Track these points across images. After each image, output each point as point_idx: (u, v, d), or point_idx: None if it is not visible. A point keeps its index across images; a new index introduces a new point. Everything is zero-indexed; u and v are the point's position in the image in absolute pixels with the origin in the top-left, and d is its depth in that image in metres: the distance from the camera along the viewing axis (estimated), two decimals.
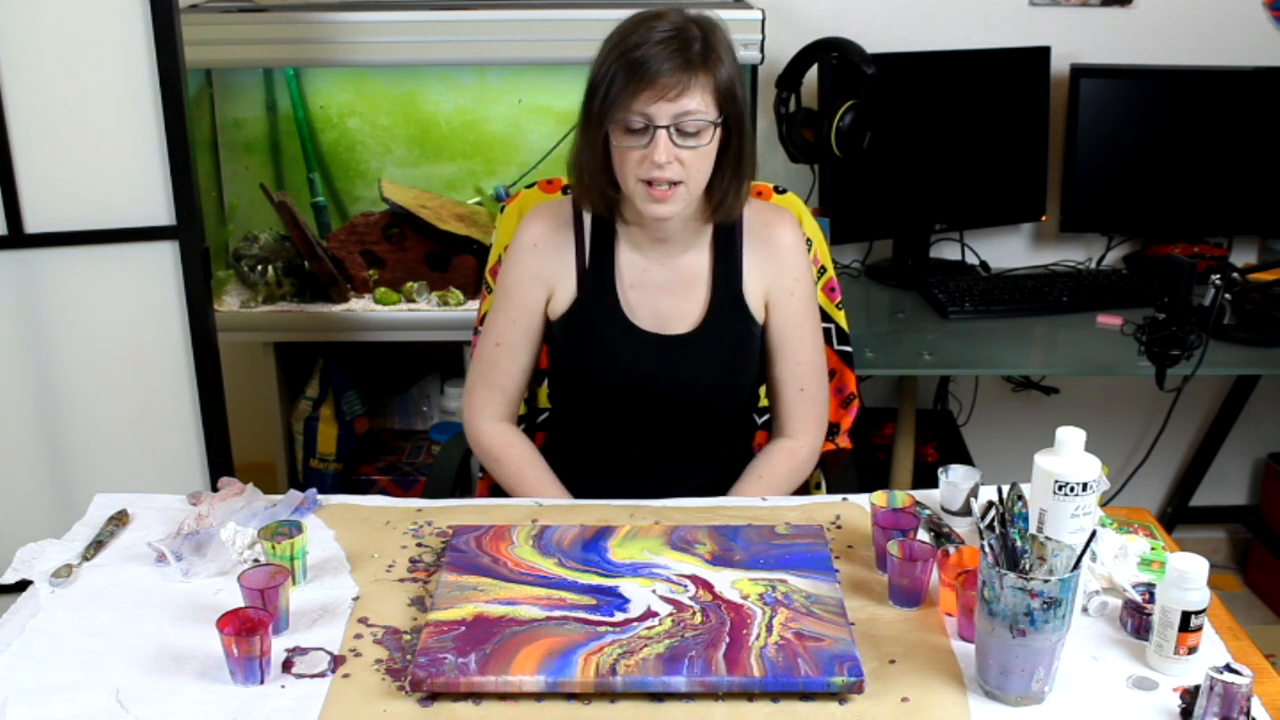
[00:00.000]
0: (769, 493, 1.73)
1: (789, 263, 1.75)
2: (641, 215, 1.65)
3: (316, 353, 2.73)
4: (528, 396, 1.95)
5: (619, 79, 1.56)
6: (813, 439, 1.81)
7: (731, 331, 1.75)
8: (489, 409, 1.80)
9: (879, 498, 1.52)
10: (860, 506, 1.61)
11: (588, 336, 1.74)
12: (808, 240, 1.87)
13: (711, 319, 1.74)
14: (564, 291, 1.75)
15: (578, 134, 1.67)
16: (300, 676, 1.25)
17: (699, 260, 1.74)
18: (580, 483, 1.79)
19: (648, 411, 1.76)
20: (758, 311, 1.76)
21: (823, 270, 1.90)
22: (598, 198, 1.69)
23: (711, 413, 1.79)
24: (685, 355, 1.73)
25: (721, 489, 1.78)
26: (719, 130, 1.60)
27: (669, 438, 1.78)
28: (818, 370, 1.80)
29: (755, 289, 1.75)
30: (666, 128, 1.56)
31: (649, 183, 1.59)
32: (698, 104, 1.57)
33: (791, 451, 1.79)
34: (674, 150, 1.57)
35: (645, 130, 1.57)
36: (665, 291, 1.74)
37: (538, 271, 1.74)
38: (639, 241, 1.73)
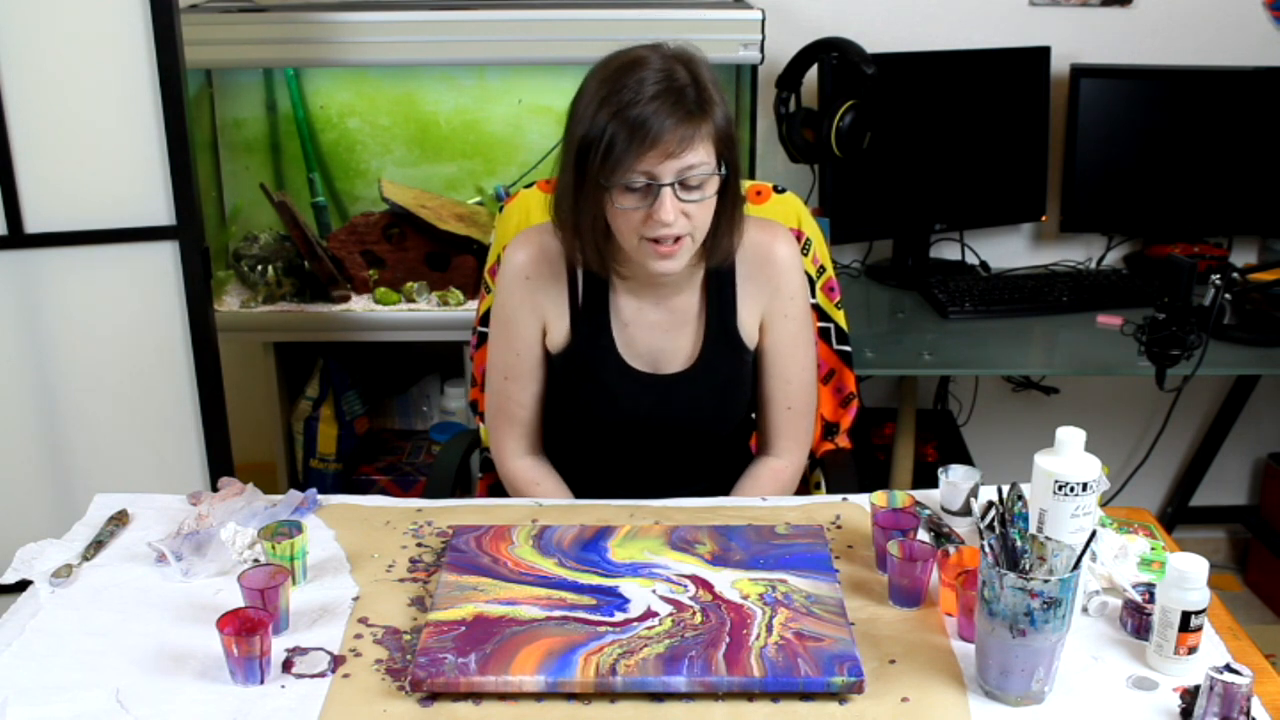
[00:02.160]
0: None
1: (784, 282, 1.72)
2: (641, 269, 1.62)
3: (316, 353, 2.73)
4: None
5: (619, 140, 1.49)
6: (798, 457, 1.80)
7: (725, 365, 1.73)
8: (511, 444, 1.78)
9: (879, 498, 1.52)
10: (860, 506, 1.61)
11: (583, 376, 1.72)
12: (807, 240, 1.87)
13: (706, 356, 1.72)
14: (558, 327, 1.72)
15: (565, 191, 1.60)
16: (300, 676, 1.25)
17: (692, 299, 1.71)
18: (580, 479, 1.79)
19: (644, 445, 1.76)
20: (751, 339, 1.74)
21: (821, 269, 1.90)
22: (593, 255, 1.63)
23: (706, 442, 1.79)
24: (680, 393, 1.72)
25: (719, 485, 1.78)
26: (718, 177, 1.57)
27: (664, 466, 1.78)
28: (806, 389, 1.79)
29: (749, 317, 1.73)
30: (671, 185, 1.52)
31: (655, 240, 1.55)
32: (701, 157, 1.52)
33: (777, 472, 1.79)
34: (679, 205, 1.53)
35: (648, 189, 1.52)
36: (659, 331, 1.72)
37: (533, 304, 1.71)
38: (632, 286, 1.70)
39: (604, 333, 1.71)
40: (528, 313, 1.72)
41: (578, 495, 1.78)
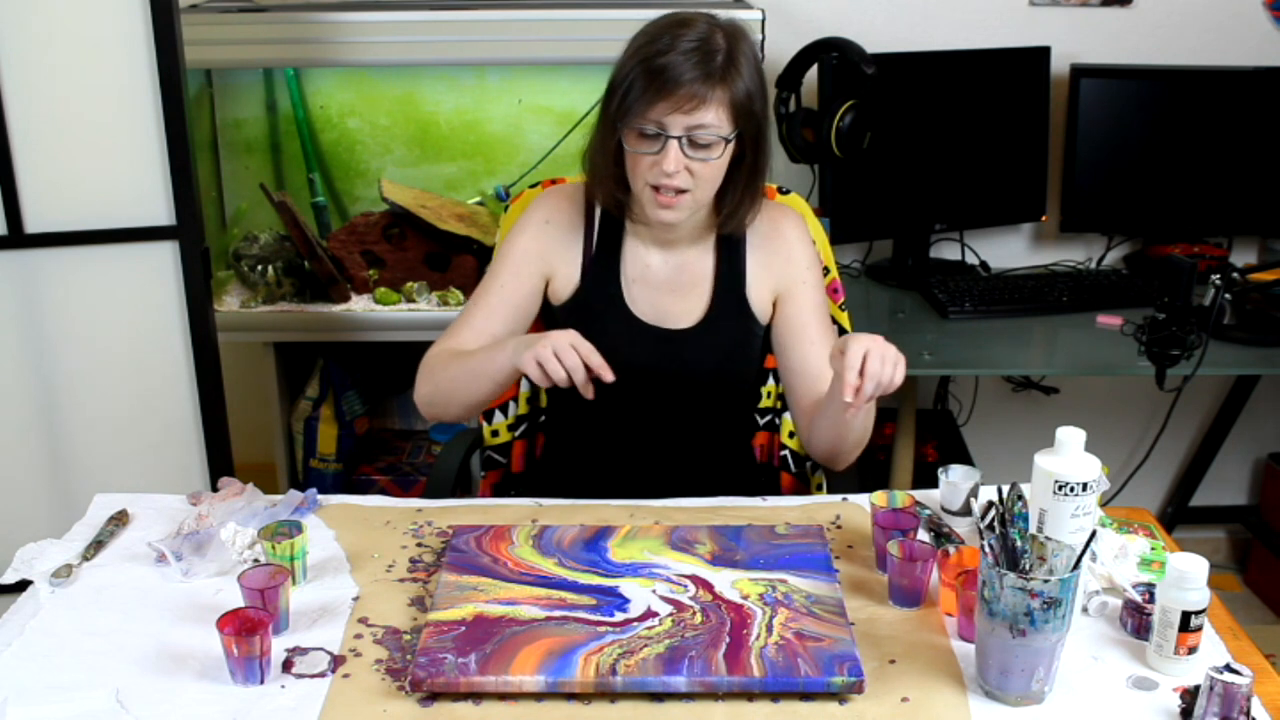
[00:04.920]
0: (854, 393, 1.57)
1: (796, 254, 1.76)
2: (648, 217, 1.66)
3: (316, 353, 2.73)
4: (530, 396, 1.95)
5: (638, 85, 1.55)
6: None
7: (732, 329, 1.75)
8: (436, 348, 1.76)
9: (879, 498, 1.52)
10: (860, 506, 1.61)
11: (589, 325, 1.74)
12: (812, 241, 1.88)
13: (713, 316, 1.74)
14: (567, 277, 1.75)
15: (594, 130, 1.68)
16: (300, 676, 1.25)
17: (703, 261, 1.75)
18: (580, 478, 1.79)
19: (647, 403, 1.76)
20: (762, 313, 1.76)
21: (825, 271, 1.91)
22: (607, 195, 1.70)
23: (711, 406, 1.79)
24: (686, 349, 1.74)
25: (719, 484, 1.78)
26: (732, 144, 1.60)
27: (668, 431, 1.79)
28: None
29: (761, 289, 1.75)
30: (679, 138, 1.56)
31: (657, 188, 1.60)
32: (712, 118, 1.56)
33: None
34: (684, 160, 1.57)
35: (658, 138, 1.57)
36: (668, 289, 1.75)
37: (543, 249, 1.75)
38: (645, 239, 1.74)
39: (613, 283, 1.74)
40: (534, 254, 1.74)
41: (582, 464, 1.79)
